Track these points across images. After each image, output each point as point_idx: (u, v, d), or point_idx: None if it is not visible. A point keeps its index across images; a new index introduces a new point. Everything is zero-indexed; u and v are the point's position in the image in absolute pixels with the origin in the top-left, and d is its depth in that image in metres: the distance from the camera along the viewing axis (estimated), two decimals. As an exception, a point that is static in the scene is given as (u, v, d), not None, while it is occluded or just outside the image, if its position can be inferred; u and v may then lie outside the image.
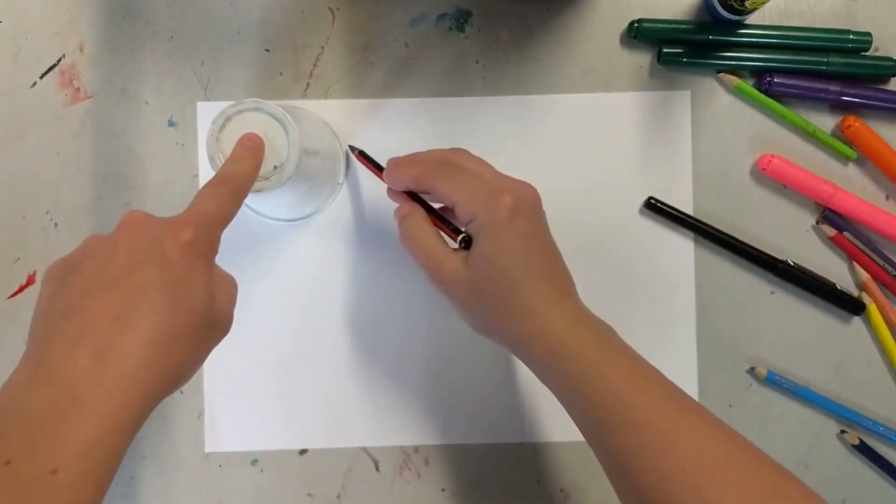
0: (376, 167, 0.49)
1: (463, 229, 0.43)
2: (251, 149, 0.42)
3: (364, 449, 0.55)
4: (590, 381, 0.39)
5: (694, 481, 0.36)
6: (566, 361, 0.39)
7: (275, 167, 0.43)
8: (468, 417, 0.55)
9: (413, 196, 0.46)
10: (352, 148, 0.52)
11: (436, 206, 0.46)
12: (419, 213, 0.44)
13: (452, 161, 0.44)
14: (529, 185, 0.44)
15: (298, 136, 0.43)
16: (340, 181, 0.54)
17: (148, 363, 0.32)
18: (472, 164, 0.44)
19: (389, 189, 0.47)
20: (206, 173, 0.54)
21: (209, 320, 0.36)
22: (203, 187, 0.39)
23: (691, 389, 0.55)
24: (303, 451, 0.55)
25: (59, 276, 0.35)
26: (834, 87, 0.53)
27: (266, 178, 0.43)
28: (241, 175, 0.41)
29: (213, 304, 0.36)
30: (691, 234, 0.55)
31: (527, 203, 0.43)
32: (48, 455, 0.30)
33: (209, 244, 0.37)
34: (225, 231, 0.39)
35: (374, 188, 0.55)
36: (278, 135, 0.43)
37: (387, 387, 0.55)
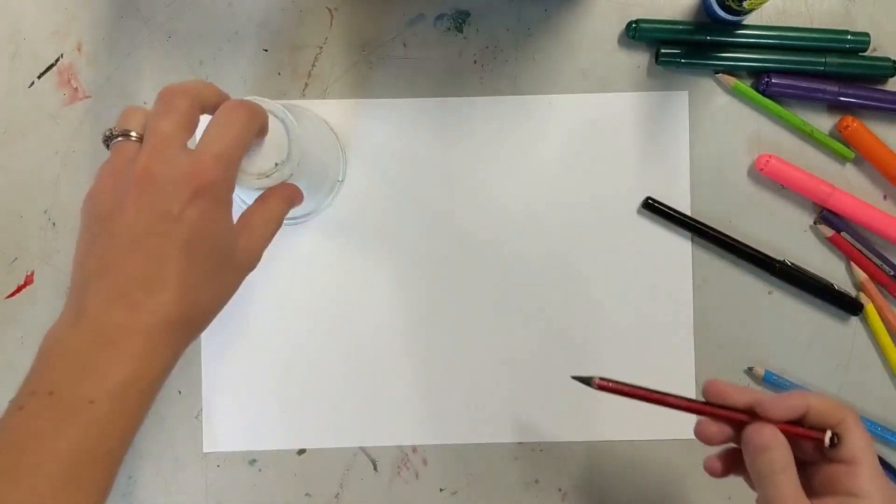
0: (645, 391, 0.40)
1: (829, 432, 0.38)
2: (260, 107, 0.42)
3: (362, 449, 0.55)
4: None
5: None
6: None
7: (276, 164, 0.43)
8: (466, 417, 0.55)
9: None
10: (582, 379, 0.40)
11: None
12: (786, 449, 0.38)
13: (858, 417, 0.40)
14: None
15: (299, 134, 0.43)
16: (341, 178, 0.54)
17: (177, 315, 0.36)
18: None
19: (705, 422, 0.40)
20: (204, 173, 0.54)
21: (234, 262, 0.39)
22: (216, 114, 0.38)
23: (689, 389, 0.55)
24: (301, 451, 0.55)
25: (92, 216, 0.37)
26: (832, 88, 0.53)
27: (267, 176, 0.43)
28: (254, 106, 0.40)
29: (237, 244, 0.39)
30: (689, 234, 0.55)
31: None
32: (87, 386, 0.34)
33: (225, 184, 0.37)
34: None
35: (374, 186, 0.55)
36: (279, 132, 0.43)
37: (385, 387, 0.55)
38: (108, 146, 0.39)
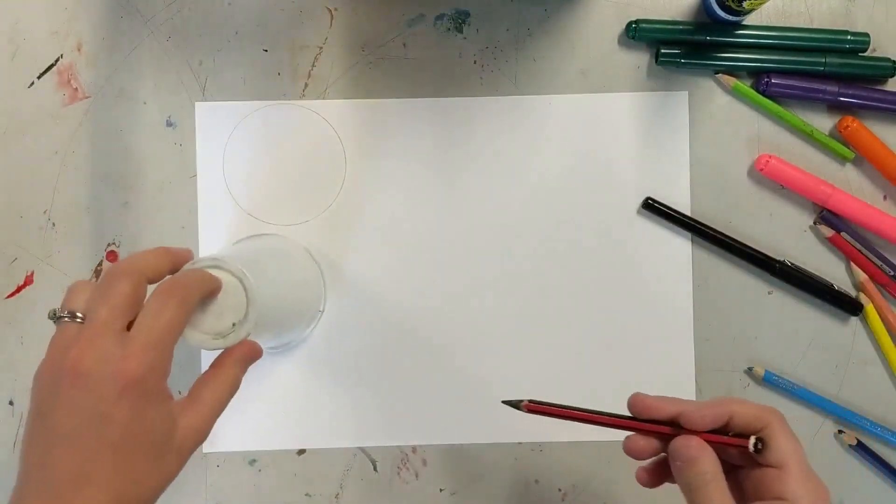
0: (572, 410, 0.41)
1: (753, 438, 0.38)
2: (207, 274, 0.42)
3: (362, 449, 0.55)
4: None
5: None
6: None
7: (233, 325, 0.41)
8: (466, 417, 0.55)
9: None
10: (512, 404, 0.41)
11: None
12: (713, 460, 0.38)
13: (784, 418, 0.39)
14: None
15: (258, 293, 0.41)
16: (321, 308, 0.54)
17: None
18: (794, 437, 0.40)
19: (633, 438, 0.40)
20: (204, 174, 0.54)
21: (175, 446, 0.37)
22: (149, 298, 0.38)
23: (689, 389, 0.55)
24: (301, 451, 0.55)
25: (34, 405, 0.37)
26: (832, 88, 0.53)
27: (223, 336, 0.41)
28: (193, 285, 0.40)
29: (177, 427, 0.37)
30: (689, 234, 0.55)
31: None
32: None
33: (155, 375, 0.37)
34: None
35: (373, 187, 0.55)
36: (237, 290, 0.41)
37: (384, 387, 0.55)
38: (55, 323, 0.38)
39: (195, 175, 0.54)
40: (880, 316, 0.55)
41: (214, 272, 0.42)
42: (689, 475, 0.38)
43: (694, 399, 0.54)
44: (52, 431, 0.36)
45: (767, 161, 0.54)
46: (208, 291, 0.40)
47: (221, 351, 0.42)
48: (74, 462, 0.35)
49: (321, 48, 0.55)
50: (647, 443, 0.40)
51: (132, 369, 0.36)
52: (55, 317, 0.38)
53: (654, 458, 0.41)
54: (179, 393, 0.54)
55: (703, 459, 0.38)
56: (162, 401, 0.37)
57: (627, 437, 0.40)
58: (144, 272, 0.38)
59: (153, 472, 0.37)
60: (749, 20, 0.54)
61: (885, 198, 0.55)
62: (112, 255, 0.54)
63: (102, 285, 0.38)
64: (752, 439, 0.38)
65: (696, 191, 0.55)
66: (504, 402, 0.41)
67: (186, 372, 0.54)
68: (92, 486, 0.35)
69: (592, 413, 0.40)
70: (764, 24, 0.54)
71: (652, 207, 0.54)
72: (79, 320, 0.37)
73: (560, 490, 0.55)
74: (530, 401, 0.40)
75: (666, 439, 0.39)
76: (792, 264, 0.54)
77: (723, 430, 0.39)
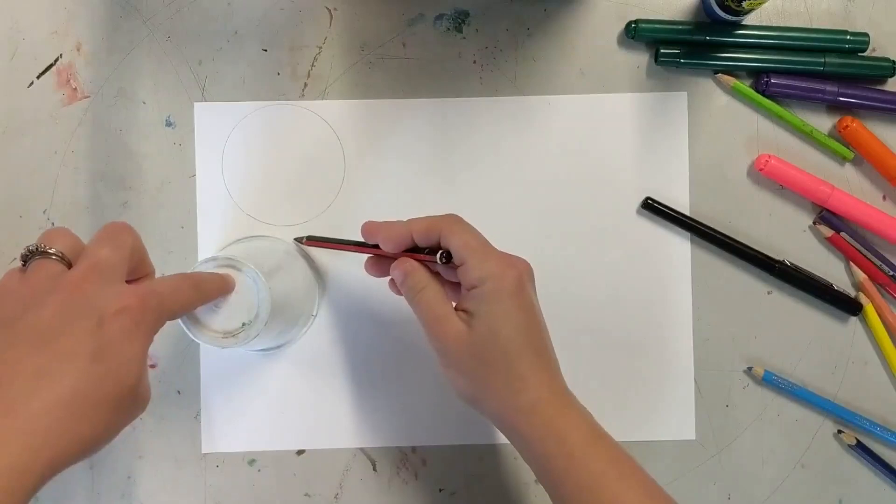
0: (336, 242, 0.49)
1: (440, 252, 0.43)
2: (224, 278, 0.43)
3: (361, 449, 0.55)
4: (575, 463, 0.40)
5: None
6: (552, 440, 0.40)
7: (243, 324, 0.42)
8: (465, 418, 0.55)
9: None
10: (298, 240, 0.51)
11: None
12: (422, 269, 0.44)
13: (459, 219, 0.44)
14: (524, 259, 0.44)
15: (269, 295, 0.42)
16: (314, 313, 0.54)
17: (61, 426, 0.31)
18: (473, 228, 0.44)
19: (369, 259, 0.47)
20: (203, 174, 0.54)
21: (135, 393, 0.35)
22: (169, 275, 0.39)
23: (688, 390, 0.55)
24: (300, 452, 0.55)
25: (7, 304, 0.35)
26: (831, 88, 0.53)
27: (233, 335, 0.42)
28: (208, 279, 0.41)
29: (143, 377, 0.35)
30: (688, 234, 0.55)
31: (530, 276, 0.43)
32: None
33: (153, 318, 0.36)
34: None
35: (373, 187, 0.55)
36: (249, 290, 0.42)
37: (384, 387, 0.55)
38: (24, 263, 0.37)
39: (194, 175, 0.54)
40: (879, 316, 0.55)
41: (229, 271, 0.43)
42: (405, 289, 0.44)
43: (692, 400, 0.55)
44: (19, 339, 0.33)
45: (767, 161, 0.54)
46: (220, 288, 0.42)
47: (231, 347, 0.43)
48: (42, 358, 0.32)
49: (320, 48, 0.55)
50: (379, 262, 0.46)
51: (137, 297, 0.35)
52: (32, 253, 0.36)
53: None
54: (178, 393, 0.54)
55: (411, 273, 0.43)
56: (147, 343, 0.36)
57: (365, 261, 0.47)
58: (139, 244, 0.39)
59: (114, 407, 0.34)
60: (748, 20, 0.54)
61: (884, 198, 0.55)
62: (111, 255, 0.54)
63: (104, 233, 0.37)
64: (439, 254, 0.42)
65: (695, 191, 0.55)
66: (294, 239, 0.52)
67: (186, 372, 0.54)
68: (54, 387, 0.31)
69: (342, 242, 0.48)
70: (763, 24, 0.54)
71: (651, 207, 0.54)
72: (54, 258, 0.36)
73: (560, 490, 0.55)
74: (308, 237, 0.51)
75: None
76: (791, 264, 0.54)
77: (436, 248, 0.43)
